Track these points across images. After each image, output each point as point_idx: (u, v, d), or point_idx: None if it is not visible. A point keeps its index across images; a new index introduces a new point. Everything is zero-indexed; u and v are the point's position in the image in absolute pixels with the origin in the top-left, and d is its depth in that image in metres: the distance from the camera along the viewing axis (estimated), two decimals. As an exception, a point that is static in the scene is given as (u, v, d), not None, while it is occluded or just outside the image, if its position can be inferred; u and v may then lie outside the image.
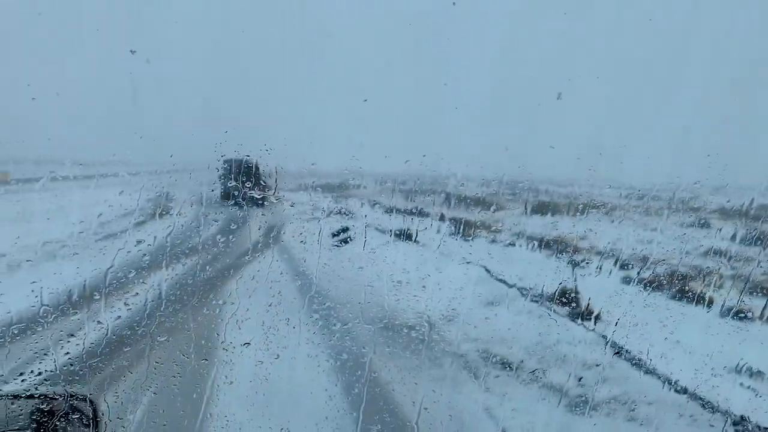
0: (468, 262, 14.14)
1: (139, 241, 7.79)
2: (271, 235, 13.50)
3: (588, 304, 11.26)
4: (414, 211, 16.20)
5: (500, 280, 13.62)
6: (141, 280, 7.69)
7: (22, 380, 5.06)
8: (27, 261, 7.01)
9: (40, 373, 5.25)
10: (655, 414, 7.78)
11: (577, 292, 11.79)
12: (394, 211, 16.35)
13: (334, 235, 15.35)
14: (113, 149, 6.77)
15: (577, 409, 7.81)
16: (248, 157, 7.76)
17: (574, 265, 13.11)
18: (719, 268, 13.61)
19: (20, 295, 5.74)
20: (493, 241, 17.48)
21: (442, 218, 16.08)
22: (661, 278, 13.25)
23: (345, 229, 15.47)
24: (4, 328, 5.35)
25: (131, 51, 6.65)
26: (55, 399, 3.15)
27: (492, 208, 14.85)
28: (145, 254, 7.52)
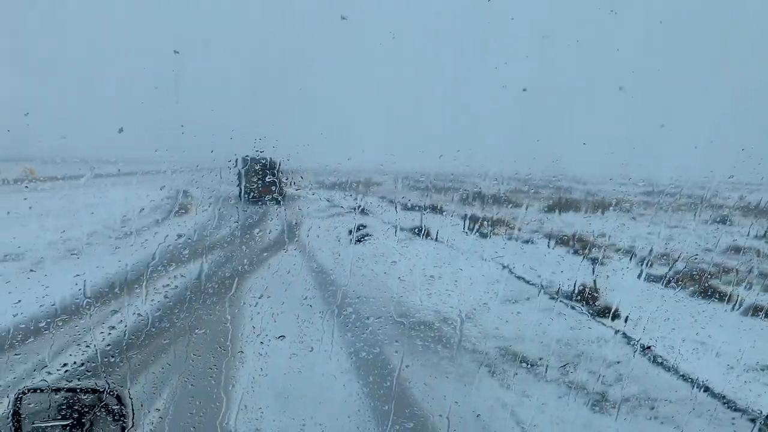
0: (501, 257, 13.97)
1: (179, 235, 7.81)
2: (308, 230, 13.50)
3: (618, 303, 11.00)
4: (445, 208, 16.02)
5: (527, 279, 13.40)
6: (180, 274, 7.72)
7: (65, 371, 5.09)
8: (72, 254, 7.07)
9: (82, 364, 5.28)
10: (685, 412, 7.56)
11: (596, 289, 11.53)
12: (427, 208, 16.19)
13: (351, 232, 15.27)
14: (155, 146, 6.77)
15: (607, 403, 7.63)
16: (274, 156, 7.68)
17: (595, 262, 12.85)
18: (751, 265, 13.21)
19: (65, 287, 5.79)
20: (525, 239, 17.22)
21: (473, 216, 15.90)
22: (694, 274, 12.92)
23: (362, 226, 15.35)
24: (49, 320, 5.39)
25: (175, 51, 6.65)
26: (94, 392, 3.13)
27: (524, 205, 14.62)
28: (184, 248, 7.53)
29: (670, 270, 12.55)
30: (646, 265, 12.61)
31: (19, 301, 5.40)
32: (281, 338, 6.88)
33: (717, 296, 11.79)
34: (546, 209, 17.94)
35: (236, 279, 9.37)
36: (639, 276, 11.33)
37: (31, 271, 6.38)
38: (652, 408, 7.55)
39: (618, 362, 9.03)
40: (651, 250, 13.45)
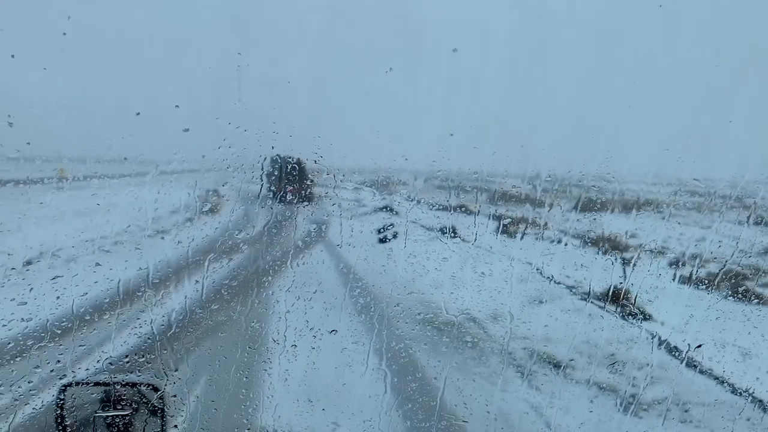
0: (550, 255, 13.61)
1: (239, 231, 7.76)
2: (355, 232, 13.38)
3: (666, 306, 10.58)
4: (496, 209, 15.58)
5: (572, 282, 13.00)
6: (243, 268, 7.69)
7: (127, 362, 5.06)
8: (136, 248, 7.10)
9: (142, 355, 5.24)
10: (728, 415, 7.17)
11: (628, 292, 11.07)
12: (478, 212, 15.73)
13: (379, 231, 14.87)
14: (218, 144, 6.70)
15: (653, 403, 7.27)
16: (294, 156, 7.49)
17: (629, 263, 12.34)
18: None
19: (129, 280, 5.76)
20: (573, 241, 16.65)
21: (524, 218, 15.46)
22: (747, 275, 12.34)
23: (390, 225, 14.93)
24: (112, 312, 5.38)
25: (238, 53, 6.59)
26: (136, 386, 3.06)
27: (572, 206, 14.17)
28: (244, 243, 7.48)
29: (723, 267, 11.99)
30: (701, 265, 12.05)
31: (86, 294, 5.39)
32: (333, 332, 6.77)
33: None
34: (596, 209, 17.32)
35: (293, 275, 9.31)
36: (691, 276, 10.84)
37: (97, 264, 6.41)
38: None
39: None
40: (704, 251, 12.85)
